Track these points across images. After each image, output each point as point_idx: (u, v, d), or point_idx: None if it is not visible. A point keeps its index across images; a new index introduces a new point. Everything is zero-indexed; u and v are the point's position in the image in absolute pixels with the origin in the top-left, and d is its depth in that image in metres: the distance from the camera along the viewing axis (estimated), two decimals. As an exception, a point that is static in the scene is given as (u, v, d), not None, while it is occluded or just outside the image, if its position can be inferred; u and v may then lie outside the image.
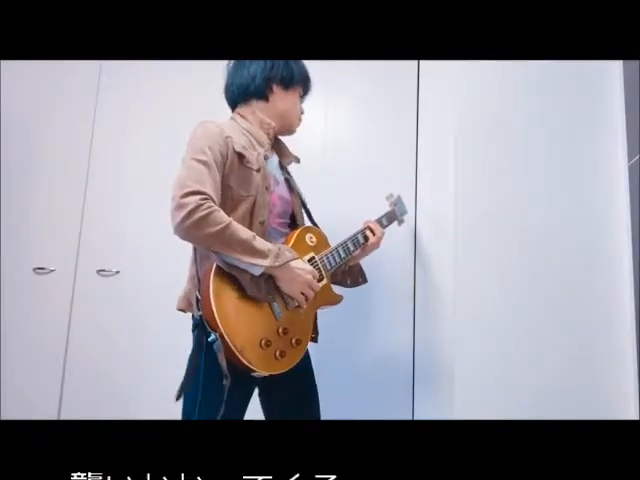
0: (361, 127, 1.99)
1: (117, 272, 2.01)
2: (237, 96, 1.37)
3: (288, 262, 1.19)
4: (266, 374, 1.14)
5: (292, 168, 1.46)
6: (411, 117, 1.89)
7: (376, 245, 1.48)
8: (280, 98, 1.36)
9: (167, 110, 2.07)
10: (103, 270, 2.01)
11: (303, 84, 1.42)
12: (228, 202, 1.22)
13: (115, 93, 2.16)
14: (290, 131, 1.43)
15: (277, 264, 1.16)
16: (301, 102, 1.44)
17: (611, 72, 1.75)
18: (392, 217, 1.60)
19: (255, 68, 1.34)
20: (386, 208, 1.62)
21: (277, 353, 1.16)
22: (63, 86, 2.20)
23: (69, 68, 2.15)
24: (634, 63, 1.63)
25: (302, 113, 1.45)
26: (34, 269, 2.06)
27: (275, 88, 1.35)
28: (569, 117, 1.76)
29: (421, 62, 1.91)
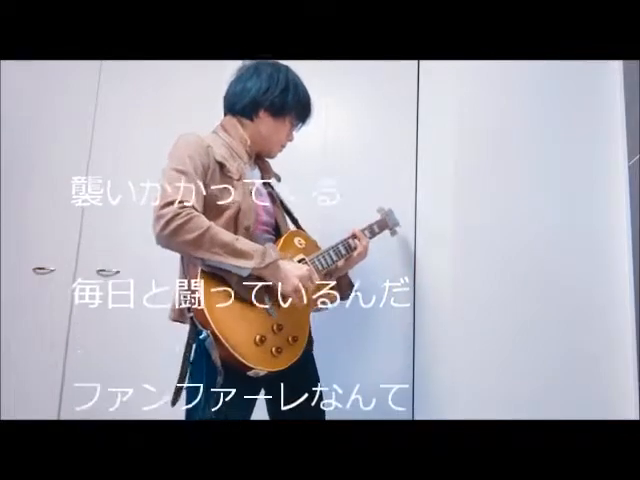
0: (361, 127, 1.98)
1: (117, 272, 2.00)
2: (225, 107, 1.38)
3: (275, 262, 1.17)
4: (264, 371, 1.13)
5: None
6: (411, 117, 1.89)
7: (363, 255, 1.45)
8: (265, 123, 1.34)
9: (167, 110, 2.06)
10: (103, 270, 2.01)
11: (296, 114, 1.37)
12: (212, 210, 1.21)
13: (115, 93, 2.15)
14: (268, 155, 1.42)
15: (263, 265, 1.15)
16: (295, 130, 1.41)
17: (611, 72, 1.75)
18: (383, 225, 1.58)
19: (249, 87, 1.32)
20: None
21: (273, 349, 1.16)
22: (63, 86, 2.19)
23: (69, 68, 2.14)
24: (634, 63, 1.63)
25: (290, 140, 1.41)
26: (34, 269, 2.06)
27: (262, 113, 1.33)
28: (569, 117, 1.76)
29: (421, 62, 1.91)
